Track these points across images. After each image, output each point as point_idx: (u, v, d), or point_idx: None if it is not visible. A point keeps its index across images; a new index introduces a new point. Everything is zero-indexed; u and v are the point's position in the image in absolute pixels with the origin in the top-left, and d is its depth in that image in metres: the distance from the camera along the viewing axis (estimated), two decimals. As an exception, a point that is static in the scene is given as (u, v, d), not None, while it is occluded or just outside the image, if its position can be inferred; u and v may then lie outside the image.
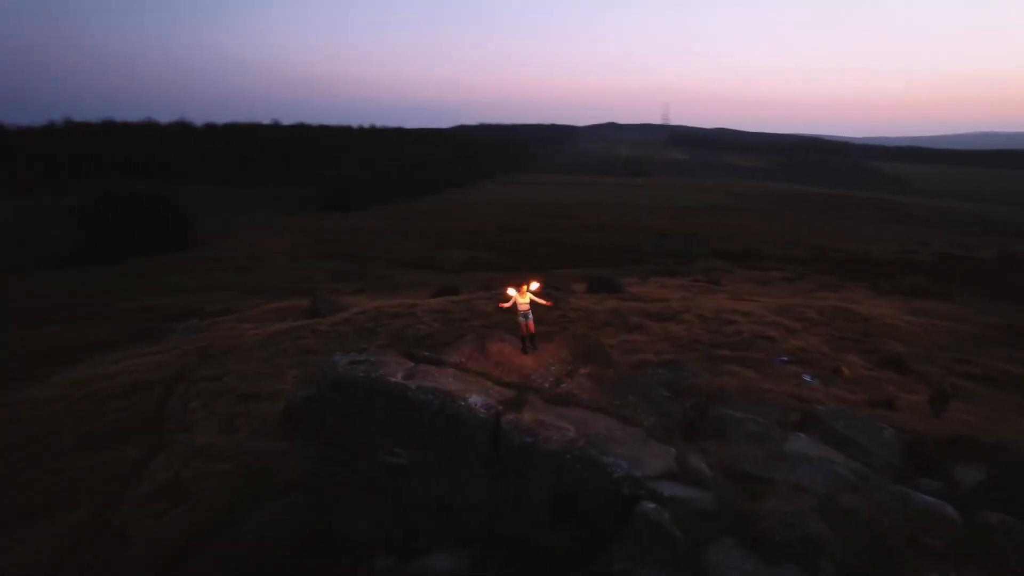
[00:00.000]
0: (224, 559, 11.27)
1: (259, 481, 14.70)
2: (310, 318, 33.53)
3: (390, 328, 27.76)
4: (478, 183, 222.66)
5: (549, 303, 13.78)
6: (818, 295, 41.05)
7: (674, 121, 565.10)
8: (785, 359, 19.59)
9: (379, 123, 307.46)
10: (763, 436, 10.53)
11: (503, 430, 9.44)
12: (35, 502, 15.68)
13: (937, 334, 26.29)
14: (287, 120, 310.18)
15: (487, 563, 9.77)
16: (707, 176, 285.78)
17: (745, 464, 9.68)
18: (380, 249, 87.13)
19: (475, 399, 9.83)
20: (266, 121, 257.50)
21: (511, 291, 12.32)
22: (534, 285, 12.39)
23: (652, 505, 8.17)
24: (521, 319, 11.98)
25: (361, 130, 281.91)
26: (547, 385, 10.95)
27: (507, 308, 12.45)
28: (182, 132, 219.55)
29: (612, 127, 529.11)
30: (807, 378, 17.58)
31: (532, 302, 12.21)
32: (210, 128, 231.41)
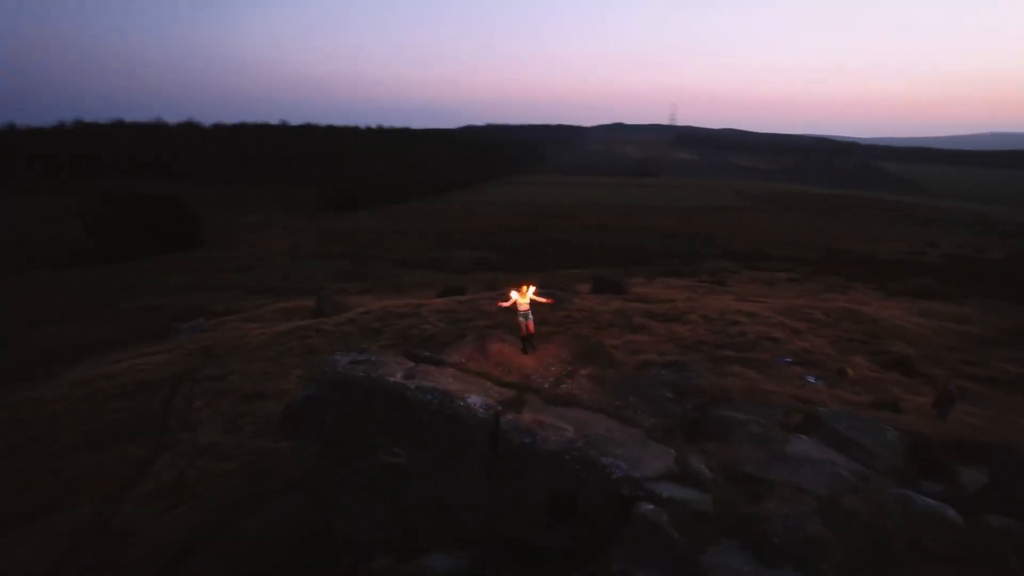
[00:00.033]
0: (225, 559, 11.29)
1: (262, 480, 14.73)
2: (315, 318, 33.63)
3: (396, 328, 27.79)
4: (484, 184, 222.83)
5: (550, 300, 13.75)
6: (825, 296, 40.84)
7: (681, 121, 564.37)
8: (789, 360, 19.48)
9: (386, 123, 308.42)
10: (765, 437, 10.47)
11: (502, 430, 9.43)
12: (37, 501, 15.76)
13: (945, 336, 26.10)
14: (294, 120, 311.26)
15: (486, 563, 9.75)
16: (714, 176, 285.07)
17: (746, 465, 9.63)
18: (386, 249, 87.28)
19: (474, 399, 9.82)
20: (274, 121, 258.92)
21: (513, 294, 12.30)
22: (531, 290, 12.34)
23: (650, 506, 8.13)
24: (521, 319, 11.97)
25: (368, 130, 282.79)
26: (547, 385, 10.93)
27: (507, 307, 12.44)
28: (190, 132, 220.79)
29: (619, 127, 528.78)
30: (811, 379, 17.47)
31: (533, 302, 12.19)
32: (218, 128, 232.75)
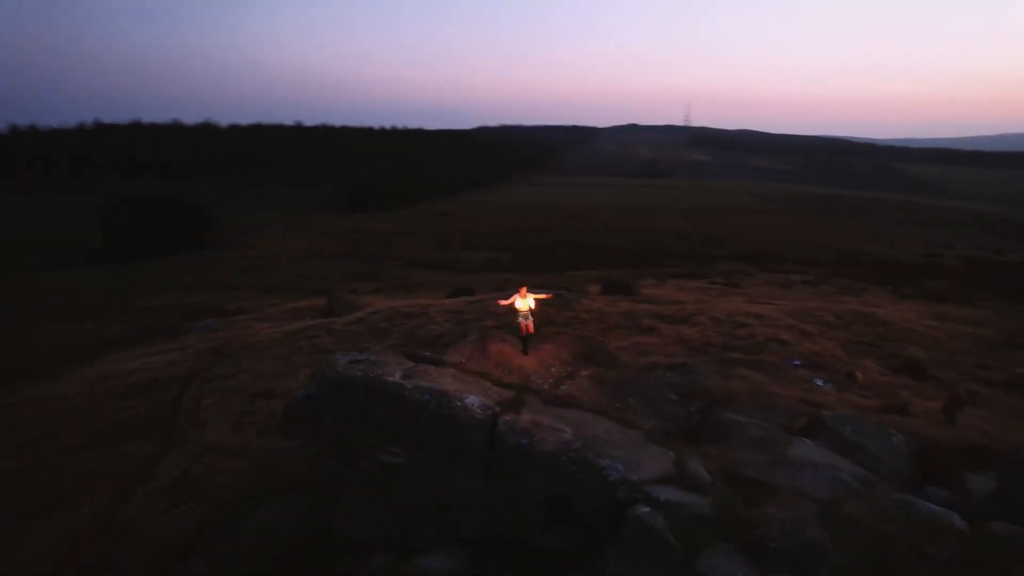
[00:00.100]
0: (225, 558, 11.32)
1: (266, 479, 14.77)
2: (325, 318, 33.73)
3: (404, 328, 27.80)
4: (498, 184, 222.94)
5: (549, 296, 13.65)
6: (838, 299, 40.39)
7: (696, 122, 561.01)
8: (798, 363, 19.25)
9: (400, 124, 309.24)
10: (767, 441, 10.36)
11: (499, 431, 9.40)
12: (49, 497, 15.87)
13: (959, 339, 25.69)
14: (310, 121, 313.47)
15: (484, 563, 9.73)
16: (729, 178, 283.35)
17: (747, 469, 9.53)
18: (398, 250, 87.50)
19: (472, 399, 9.79)
20: (289, 122, 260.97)
21: (518, 301, 12.22)
22: (530, 298, 12.23)
23: (646, 509, 8.07)
24: (521, 320, 11.93)
25: (382, 131, 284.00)
26: (547, 386, 10.89)
27: (507, 306, 12.37)
28: (207, 133, 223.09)
29: (633, 128, 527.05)
30: (819, 383, 17.24)
31: (535, 303, 12.14)
32: (234, 129, 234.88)
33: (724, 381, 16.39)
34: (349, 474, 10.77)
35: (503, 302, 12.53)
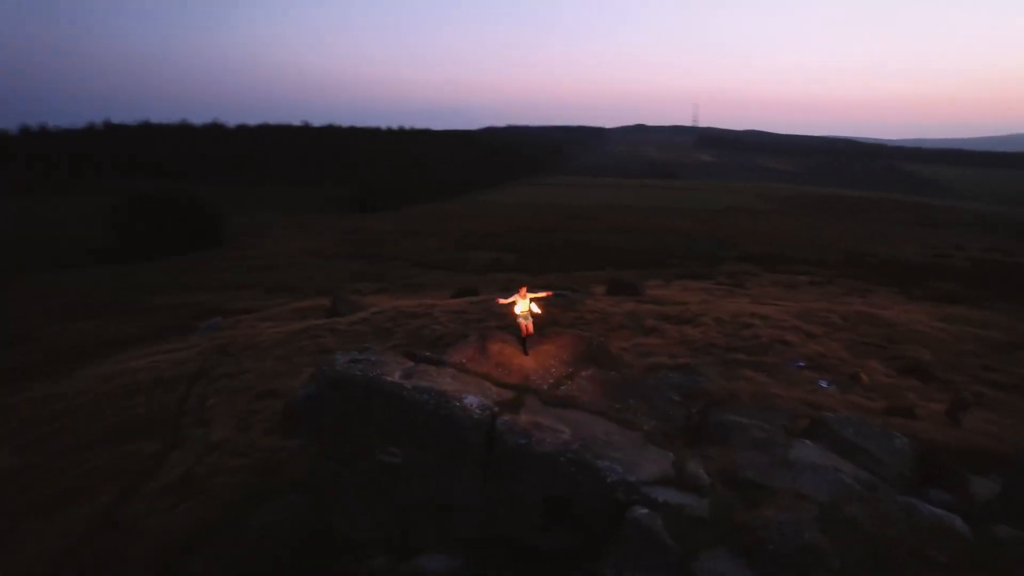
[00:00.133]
0: (225, 558, 11.34)
1: (269, 478, 14.81)
2: (329, 317, 33.83)
3: (407, 328, 27.85)
4: (505, 185, 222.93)
5: (549, 294, 13.60)
6: (844, 300, 40.13)
7: (704, 123, 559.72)
8: (802, 364, 19.16)
9: (407, 125, 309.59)
10: (768, 443, 10.28)
11: (498, 431, 9.37)
12: (53, 495, 15.97)
13: (966, 341, 25.47)
14: (317, 122, 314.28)
15: (482, 564, 9.71)
16: (737, 178, 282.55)
17: (747, 471, 9.46)
18: (404, 250, 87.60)
19: (471, 400, 9.77)
20: (295, 122, 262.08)
21: (521, 305, 12.17)
22: (529, 302, 12.19)
23: (644, 511, 8.02)
24: (521, 320, 11.89)
25: (389, 131, 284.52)
26: (546, 387, 10.84)
27: (506, 304, 12.31)
28: (215, 134, 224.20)
29: (640, 129, 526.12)
30: (823, 384, 17.16)
31: (536, 303, 12.10)
32: (241, 129, 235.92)
33: (727, 382, 16.35)
34: (349, 474, 10.76)
35: (503, 300, 12.47)
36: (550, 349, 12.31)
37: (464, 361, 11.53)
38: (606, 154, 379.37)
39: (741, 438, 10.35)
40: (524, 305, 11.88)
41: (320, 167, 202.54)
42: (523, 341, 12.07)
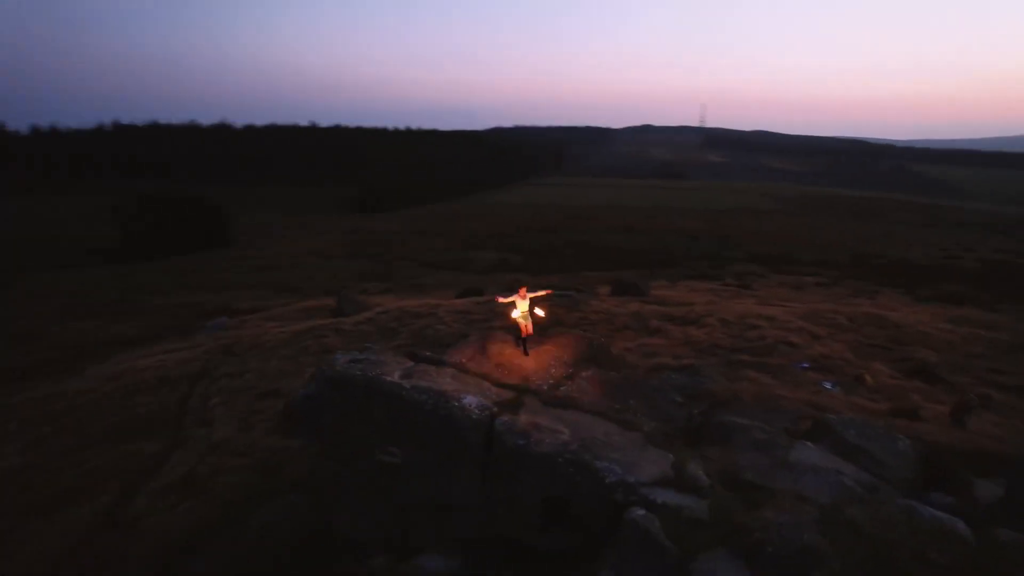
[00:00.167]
0: (226, 558, 11.35)
1: (270, 478, 14.80)
2: (334, 317, 33.89)
3: (412, 328, 27.84)
4: (511, 185, 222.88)
5: (548, 292, 13.56)
6: (852, 301, 39.93)
7: (711, 123, 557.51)
8: (806, 365, 19.05)
9: (414, 125, 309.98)
10: (769, 444, 10.22)
11: (496, 431, 9.35)
12: (55, 494, 16.01)
13: (974, 343, 25.26)
14: (324, 122, 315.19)
15: (481, 564, 9.68)
16: (744, 179, 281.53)
17: (747, 473, 9.41)
18: (410, 250, 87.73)
19: (470, 400, 9.75)
20: (303, 123, 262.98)
21: (518, 303, 12.14)
22: (526, 305, 12.16)
23: (642, 512, 7.97)
24: (520, 321, 11.85)
25: (396, 132, 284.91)
26: (546, 387, 10.81)
27: (506, 304, 12.27)
28: (222, 134, 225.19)
29: (647, 129, 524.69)
30: (827, 385, 17.04)
31: (535, 303, 12.07)
32: (249, 130, 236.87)
33: (730, 383, 16.25)
34: (349, 474, 10.76)
35: (503, 299, 12.42)
36: (551, 349, 12.28)
37: (464, 361, 11.52)
38: (613, 154, 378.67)
39: (742, 439, 10.29)
40: (523, 306, 11.84)
41: (326, 167, 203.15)
42: (523, 341, 12.04)
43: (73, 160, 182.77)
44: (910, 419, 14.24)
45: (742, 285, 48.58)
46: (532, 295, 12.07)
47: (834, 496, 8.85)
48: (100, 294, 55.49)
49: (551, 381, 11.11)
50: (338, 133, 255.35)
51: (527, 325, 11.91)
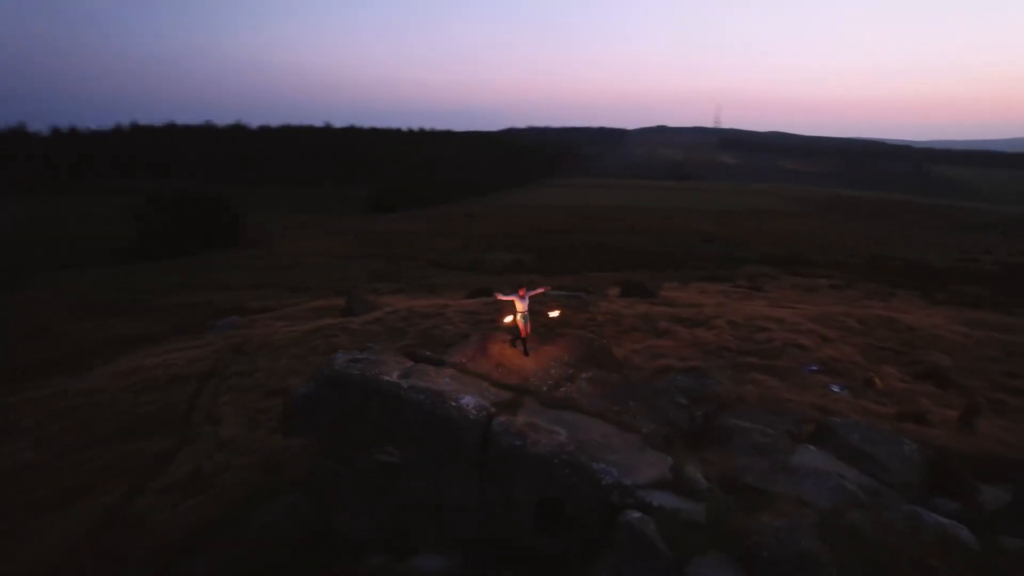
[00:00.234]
0: (226, 557, 11.41)
1: (273, 476, 14.91)
2: (344, 317, 34.04)
3: (419, 328, 27.88)
4: (525, 186, 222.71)
5: (546, 289, 13.48)
6: (864, 304, 39.45)
7: (726, 124, 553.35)
8: (815, 368, 18.83)
9: (428, 126, 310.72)
10: (770, 447, 10.11)
11: (493, 432, 9.31)
12: (64, 491, 16.23)
13: (988, 346, 24.82)
14: (338, 123, 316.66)
15: (478, 564, 9.66)
16: (759, 180, 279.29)
17: (747, 476, 9.30)
18: (423, 250, 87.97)
19: (467, 400, 9.72)
20: (317, 123, 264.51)
21: (517, 313, 12.07)
22: (521, 313, 12.07)
23: (637, 514, 7.90)
24: (520, 320, 11.80)
25: (410, 132, 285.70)
26: (545, 388, 10.76)
27: (505, 301, 12.19)
28: (237, 134, 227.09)
29: (662, 130, 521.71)
30: (835, 388, 16.84)
31: (536, 303, 12.02)
32: (264, 130, 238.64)
33: (736, 386, 16.12)
34: (348, 473, 10.77)
35: (503, 296, 12.34)
36: (551, 350, 12.23)
37: (464, 361, 11.49)
38: (627, 155, 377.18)
39: (743, 442, 10.18)
40: (522, 306, 11.78)
41: (339, 168, 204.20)
42: (523, 342, 11.99)
43: (89, 160, 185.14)
44: (918, 423, 14.03)
45: (753, 287, 48.17)
46: (531, 293, 12.01)
47: (835, 501, 8.72)
48: (112, 293, 56.14)
49: (550, 382, 11.06)
50: (351, 134, 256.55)
51: (526, 326, 11.86)
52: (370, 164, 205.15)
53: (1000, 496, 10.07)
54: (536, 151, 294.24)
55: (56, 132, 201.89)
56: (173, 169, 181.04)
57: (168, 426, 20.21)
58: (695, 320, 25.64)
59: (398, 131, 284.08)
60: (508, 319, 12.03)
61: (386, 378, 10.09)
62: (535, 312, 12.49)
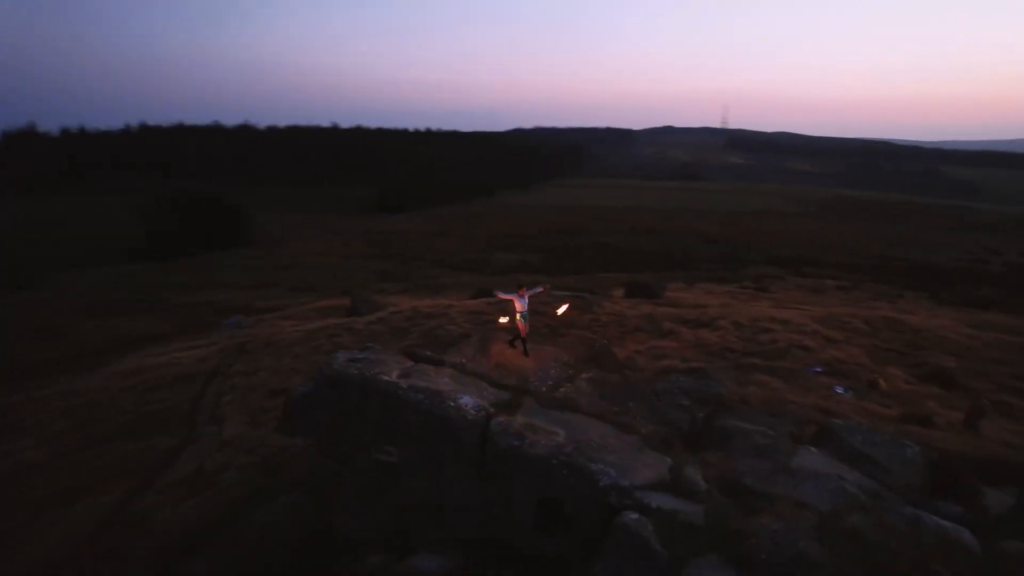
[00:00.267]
0: (226, 557, 11.43)
1: (275, 475, 14.95)
2: (349, 317, 34.14)
3: (423, 328, 27.91)
4: (531, 186, 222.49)
5: (545, 287, 13.44)
6: (871, 305, 39.25)
7: (733, 124, 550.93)
8: (819, 369, 18.73)
9: (435, 127, 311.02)
10: (770, 449, 10.05)
11: (491, 432, 9.28)
12: (70, 488, 16.33)
13: (995, 348, 24.64)
14: (345, 123, 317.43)
15: (477, 564, 9.63)
16: (767, 181, 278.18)
17: (746, 478, 9.22)
18: (429, 251, 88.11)
19: (466, 400, 9.70)
20: (325, 124, 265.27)
21: (516, 314, 12.03)
22: (520, 315, 12.02)
23: (634, 516, 7.85)
24: (520, 320, 11.76)
25: (417, 133, 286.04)
26: (545, 389, 10.73)
27: (505, 300, 12.15)
28: (246, 134, 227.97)
29: (669, 130, 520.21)
30: (839, 390, 16.74)
31: (534, 302, 11.97)
32: (272, 130, 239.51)
33: (739, 387, 16.05)
34: (348, 473, 10.77)
35: (503, 295, 12.29)
36: (552, 351, 12.20)
37: (464, 361, 11.47)
38: (633, 156, 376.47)
39: (743, 444, 10.13)
40: (521, 305, 11.73)
41: (346, 168, 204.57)
42: (523, 342, 11.96)
43: (99, 160, 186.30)
44: (922, 425, 13.92)
45: (759, 288, 48.01)
46: (531, 293, 11.96)
47: (835, 503, 8.65)
48: (121, 292, 56.47)
49: (550, 382, 11.02)
50: (358, 134, 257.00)
51: (526, 326, 11.83)
52: (377, 164, 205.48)
53: (1004, 499, 9.98)
54: (543, 151, 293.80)
55: (66, 132, 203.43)
56: (180, 169, 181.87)
57: (173, 425, 20.31)
58: (699, 321, 25.57)
59: (404, 131, 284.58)
60: (504, 319, 11.99)
61: (385, 378, 10.08)
62: (541, 312, 12.47)
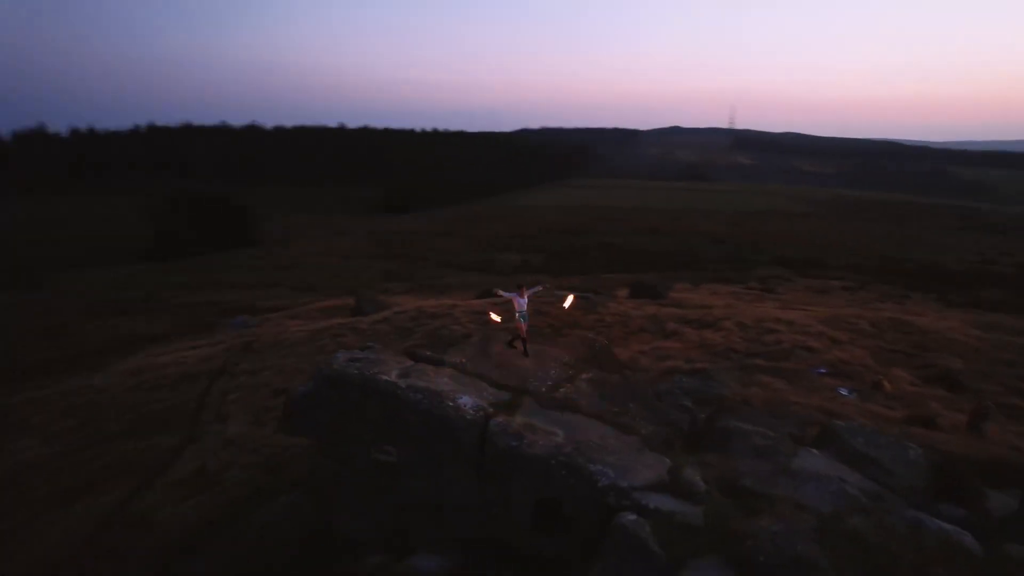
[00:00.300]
0: (226, 557, 11.45)
1: (276, 475, 14.99)
2: (353, 316, 34.20)
3: (427, 328, 27.94)
4: (537, 187, 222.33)
5: (544, 286, 13.40)
6: (877, 306, 39.03)
7: (740, 125, 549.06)
8: (823, 371, 18.63)
9: (441, 127, 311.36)
10: (771, 450, 10.00)
11: (490, 432, 9.27)
12: (73, 487, 16.41)
13: (1003, 349, 24.43)
14: (352, 123, 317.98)
15: (476, 564, 9.63)
16: (774, 181, 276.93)
17: (746, 479, 9.17)
18: (434, 251, 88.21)
19: (465, 400, 9.69)
20: (331, 124, 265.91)
21: (516, 313, 12.01)
22: (516, 307, 12.00)
23: (632, 516, 7.82)
24: (520, 320, 11.74)
25: (423, 133, 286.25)
26: (544, 389, 10.70)
27: (505, 299, 12.13)
28: (253, 135, 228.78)
29: (676, 131, 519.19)
30: (843, 391, 16.64)
31: (536, 301, 11.95)
32: (279, 131, 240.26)
33: (742, 388, 15.98)
34: (347, 473, 10.78)
35: (503, 294, 12.26)
36: (552, 351, 12.17)
37: (464, 361, 11.46)
38: (640, 156, 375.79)
39: (743, 445, 10.08)
40: (521, 305, 11.71)
41: (352, 168, 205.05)
42: (523, 342, 11.94)
43: (108, 161, 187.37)
44: (926, 427, 13.81)
45: (765, 289, 47.84)
46: (531, 292, 11.94)
47: (836, 505, 8.59)
48: (127, 292, 56.80)
49: (549, 383, 11.00)
50: (364, 134, 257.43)
51: (524, 325, 11.80)
52: (382, 165, 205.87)
53: (1007, 502, 9.90)
54: (549, 152, 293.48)
55: (75, 133, 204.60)
56: (189, 169, 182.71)
57: (176, 424, 20.38)
58: (703, 322, 25.48)
59: (411, 132, 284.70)
60: (496, 317, 11.97)
61: (384, 377, 10.08)
62: (543, 311, 12.42)
